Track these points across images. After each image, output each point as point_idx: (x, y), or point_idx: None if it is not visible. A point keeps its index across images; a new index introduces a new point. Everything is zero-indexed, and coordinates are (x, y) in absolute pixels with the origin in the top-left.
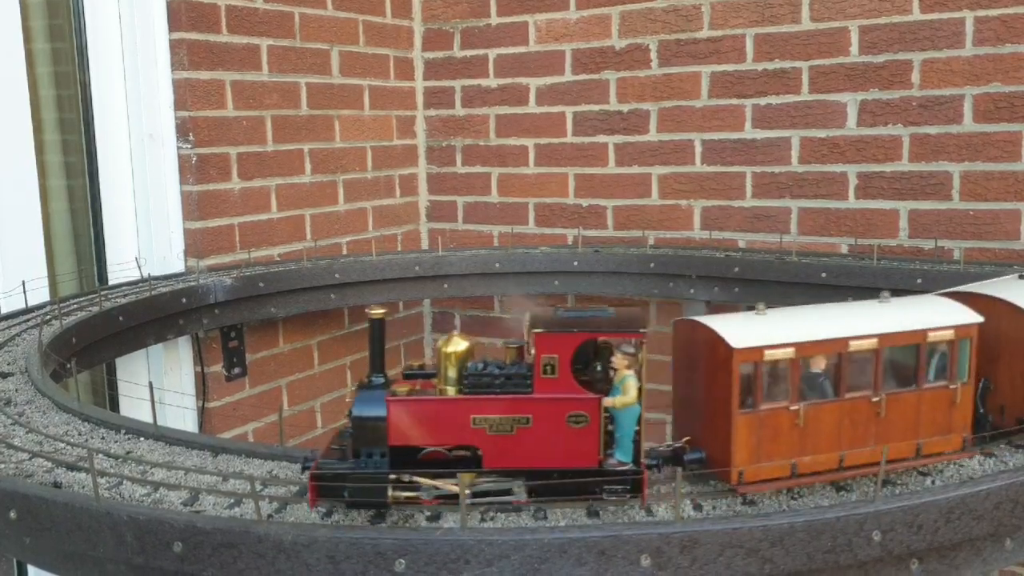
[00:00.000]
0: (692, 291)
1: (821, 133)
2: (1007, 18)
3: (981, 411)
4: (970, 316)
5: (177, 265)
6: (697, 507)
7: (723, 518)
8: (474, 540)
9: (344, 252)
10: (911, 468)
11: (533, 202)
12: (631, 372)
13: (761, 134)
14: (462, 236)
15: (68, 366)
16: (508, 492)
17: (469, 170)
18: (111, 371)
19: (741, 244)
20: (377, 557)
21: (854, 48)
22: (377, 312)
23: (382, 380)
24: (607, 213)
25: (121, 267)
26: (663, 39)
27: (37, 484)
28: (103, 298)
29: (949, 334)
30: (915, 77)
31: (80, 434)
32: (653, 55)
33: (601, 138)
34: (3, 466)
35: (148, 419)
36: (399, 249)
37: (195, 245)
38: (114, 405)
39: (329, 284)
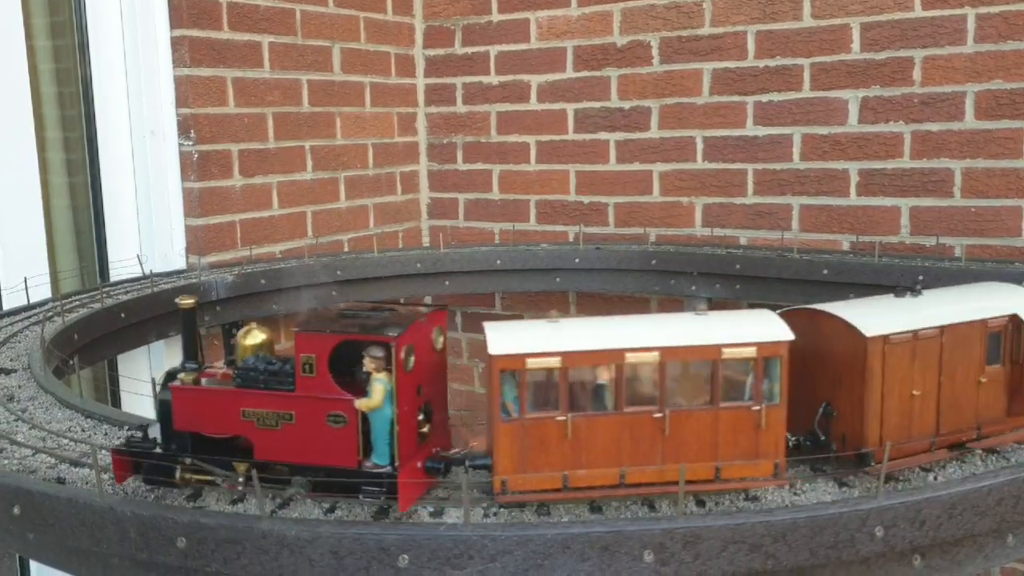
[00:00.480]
0: (693, 288)
1: (823, 130)
2: (1009, 15)
3: (823, 438)
4: (779, 334)
5: (179, 262)
6: (700, 503)
7: (726, 514)
8: (477, 536)
9: (345, 249)
10: (715, 491)
11: (534, 199)
12: (382, 375)
13: (763, 131)
14: (463, 233)
15: (70, 363)
16: (281, 484)
17: (470, 167)
18: (113, 367)
19: (742, 241)
20: (380, 553)
21: (855, 45)
22: (187, 302)
23: (195, 367)
24: (608, 210)
25: (123, 264)
26: (664, 36)
27: (40, 480)
28: (105, 295)
29: (750, 351)
30: (916, 74)
31: (83, 430)
32: (654, 52)
33: (602, 135)
34: (7, 462)
35: (150, 415)
36: (400, 246)
37: (197, 242)
38: (116, 401)
39: (330, 281)
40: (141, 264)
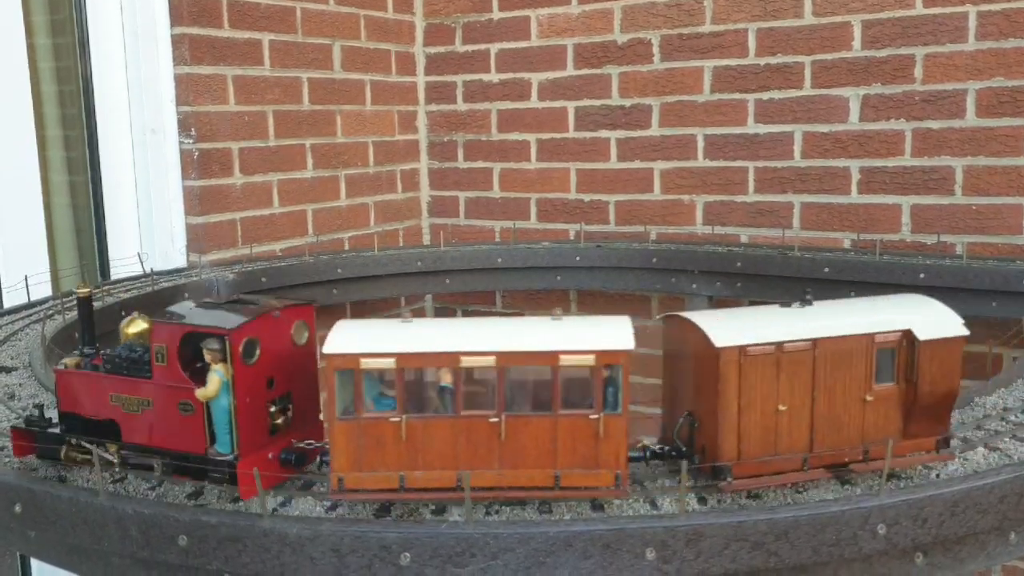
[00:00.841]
0: (694, 286)
1: (823, 128)
2: (1010, 12)
3: (684, 449)
4: (620, 343)
5: (179, 260)
6: (702, 500)
7: (728, 511)
8: (479, 533)
9: (346, 247)
10: (556, 498)
11: (535, 197)
12: (218, 367)
13: (763, 129)
14: (464, 231)
15: None
16: (151, 468)
17: (471, 165)
18: None
19: (743, 239)
20: (382, 550)
21: (856, 43)
22: (83, 291)
23: (92, 352)
24: (609, 208)
25: (123, 262)
26: (665, 33)
27: (42, 478)
28: (105, 293)
29: (589, 359)
30: (918, 72)
31: None
32: (655, 49)
33: (603, 133)
34: (8, 460)
35: None
36: (401, 244)
37: (197, 240)
38: None
39: (331, 279)
40: (142, 262)
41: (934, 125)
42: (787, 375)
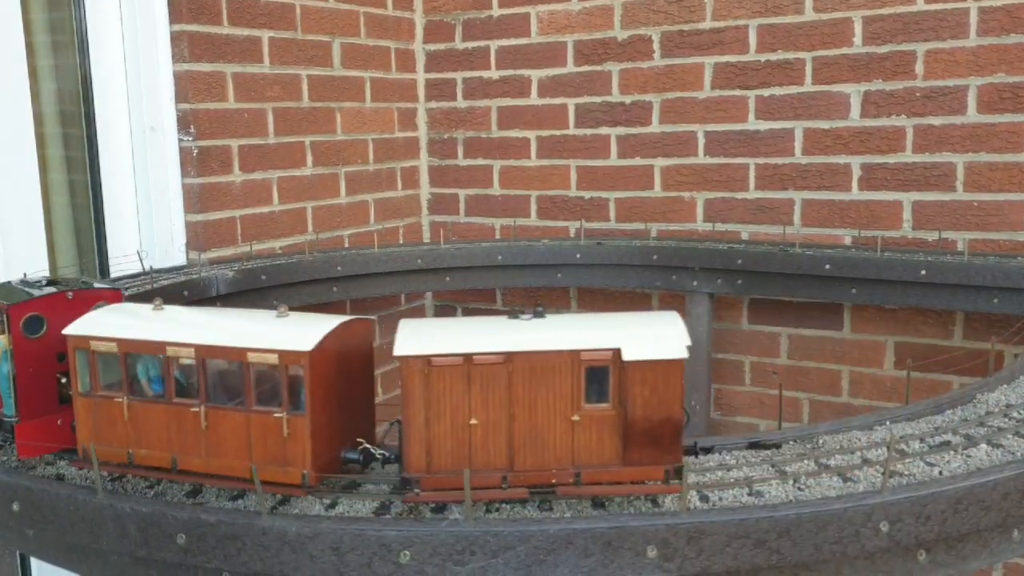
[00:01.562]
0: (695, 283)
1: (824, 124)
2: (1011, 8)
3: (386, 455)
4: (301, 343)
5: (179, 258)
6: (704, 498)
7: (730, 509)
8: (479, 532)
9: (346, 245)
10: (254, 490)
11: (535, 195)
12: (1, 338)
13: (764, 125)
14: (464, 229)
15: None
16: None
17: (471, 162)
18: None
19: (744, 236)
20: (382, 549)
21: (857, 39)
22: None
23: None
24: (609, 205)
25: (123, 260)
26: (666, 30)
27: (40, 477)
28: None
29: (273, 358)
30: (919, 68)
31: None
32: (655, 46)
33: (603, 130)
34: (6, 459)
35: None
36: (401, 242)
37: (197, 238)
38: None
39: (331, 277)
40: (141, 260)
41: (935, 121)
42: (479, 388)
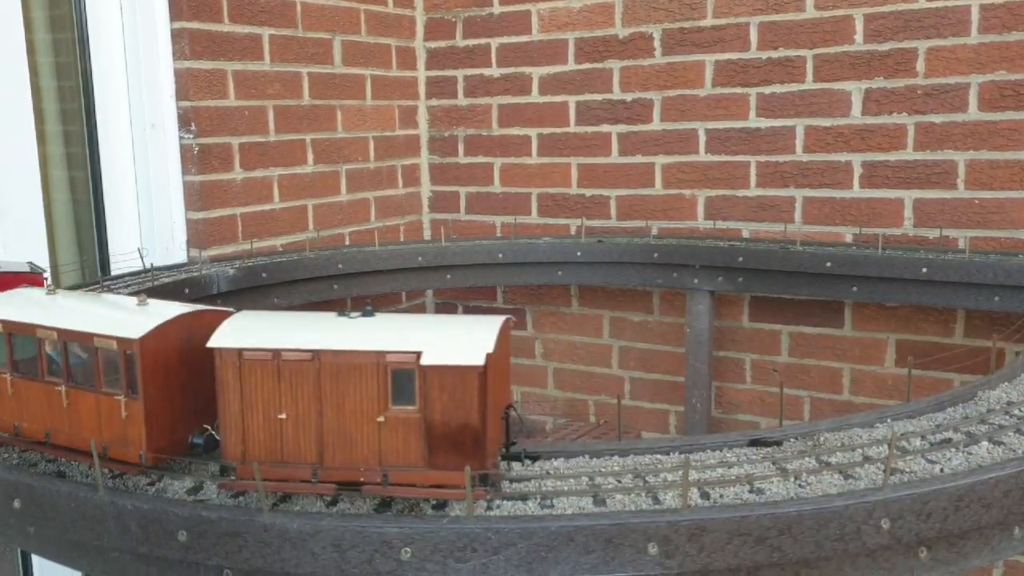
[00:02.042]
0: (696, 281)
1: (826, 122)
2: (1013, 6)
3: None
4: (131, 331)
5: (179, 255)
6: (704, 495)
7: (731, 506)
8: (480, 528)
9: (347, 242)
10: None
11: (536, 192)
12: None
13: (765, 123)
14: (465, 226)
15: None
16: None
17: (472, 160)
18: None
19: (745, 234)
20: (383, 545)
21: (859, 36)
22: None
23: None
24: (610, 203)
25: (123, 258)
26: (667, 28)
27: (41, 474)
28: (105, 288)
29: (112, 344)
30: (920, 65)
31: None
32: (657, 44)
33: (604, 127)
34: (7, 455)
35: None
36: (402, 239)
37: (197, 235)
38: None
39: (332, 275)
40: (142, 258)
41: (936, 119)
42: (288, 384)
